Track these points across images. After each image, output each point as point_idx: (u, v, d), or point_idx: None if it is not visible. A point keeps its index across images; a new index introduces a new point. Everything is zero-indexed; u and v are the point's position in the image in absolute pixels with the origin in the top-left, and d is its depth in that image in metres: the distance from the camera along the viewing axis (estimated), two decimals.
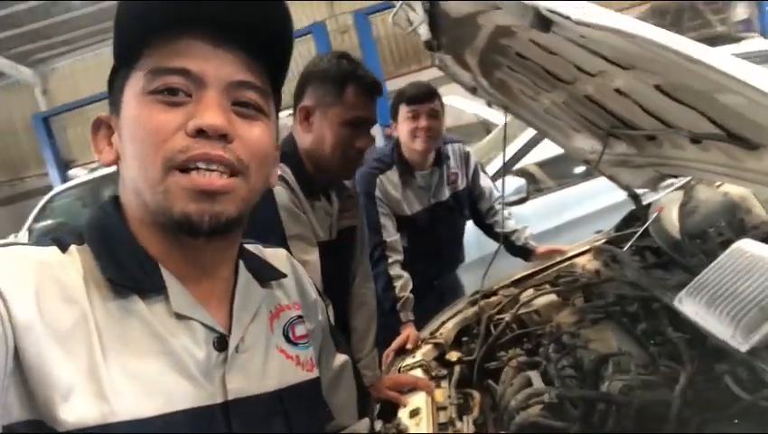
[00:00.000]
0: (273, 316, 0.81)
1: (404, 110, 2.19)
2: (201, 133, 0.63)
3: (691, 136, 0.99)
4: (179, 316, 0.66)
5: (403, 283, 2.08)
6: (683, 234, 1.43)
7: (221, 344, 0.69)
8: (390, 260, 2.11)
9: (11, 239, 6.29)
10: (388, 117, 2.36)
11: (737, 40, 3.67)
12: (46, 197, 7.87)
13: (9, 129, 14.92)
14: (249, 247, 0.86)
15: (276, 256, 0.90)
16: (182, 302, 0.67)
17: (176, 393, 0.63)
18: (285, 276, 0.87)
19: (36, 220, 7.62)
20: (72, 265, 0.64)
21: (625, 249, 1.72)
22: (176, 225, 0.64)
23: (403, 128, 2.20)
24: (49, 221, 7.74)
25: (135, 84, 0.65)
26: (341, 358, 1.00)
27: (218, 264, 0.73)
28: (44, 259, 0.62)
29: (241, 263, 0.79)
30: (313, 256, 1.44)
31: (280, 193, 1.40)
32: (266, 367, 0.75)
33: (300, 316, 0.86)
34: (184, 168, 0.63)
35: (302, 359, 0.82)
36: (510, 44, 1.24)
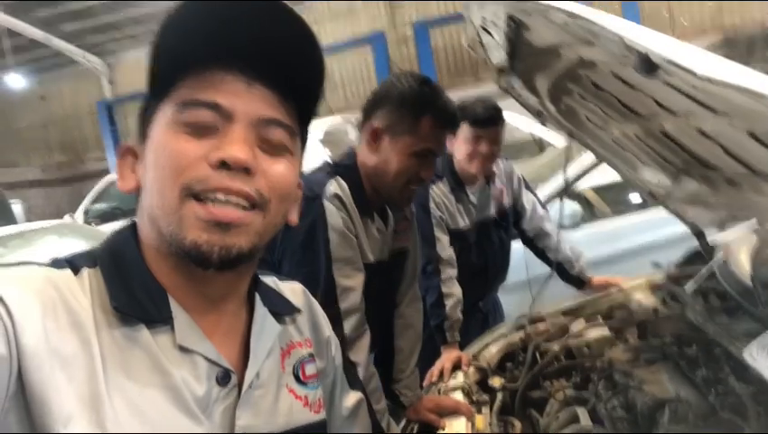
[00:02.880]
0: (284, 353, 0.80)
1: (467, 130, 2.09)
2: (223, 165, 0.63)
3: None
4: (183, 349, 0.65)
5: (454, 302, 2.05)
6: (755, 282, 1.37)
7: (225, 379, 0.68)
8: (444, 276, 2.07)
9: (67, 219, 6.54)
10: None
11: None
12: (105, 180, 8.18)
13: (75, 113, 15.59)
14: (266, 280, 0.85)
15: (291, 290, 0.89)
16: (188, 334, 0.66)
17: (174, 428, 0.62)
18: (299, 311, 0.85)
19: (93, 201, 7.93)
20: (82, 289, 0.64)
21: (687, 288, 1.65)
22: (186, 255, 0.63)
23: (462, 147, 2.14)
24: (104, 204, 8.05)
25: (164, 114, 0.66)
26: (354, 396, 0.98)
27: (226, 298, 0.73)
28: (56, 281, 0.62)
29: (258, 297, 0.78)
30: (355, 281, 1.41)
31: (332, 213, 1.37)
32: (277, 406, 0.74)
33: (311, 355, 0.84)
34: (201, 198, 0.63)
35: (310, 400, 0.80)
36: (589, 75, 1.21)
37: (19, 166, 15.88)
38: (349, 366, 1.01)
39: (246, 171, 0.64)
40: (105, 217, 7.71)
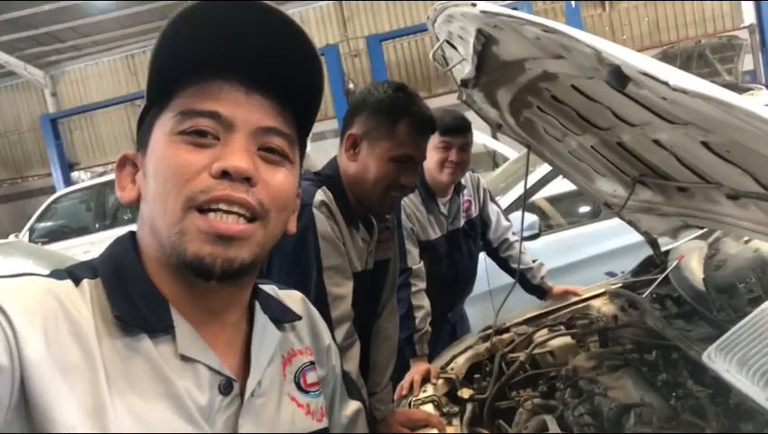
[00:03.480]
0: (285, 361, 0.79)
1: (435, 139, 2.08)
2: (225, 175, 0.63)
3: (733, 193, 0.99)
4: (184, 358, 0.65)
5: (423, 315, 2.05)
6: (709, 287, 1.42)
7: (227, 388, 0.67)
8: (414, 289, 2.06)
9: (12, 238, 6.25)
10: None
11: (743, 90, 3.73)
12: (51, 198, 7.88)
13: (15, 128, 15.00)
14: (265, 288, 0.84)
15: (290, 298, 0.88)
16: (189, 343, 0.65)
17: None
18: (299, 318, 0.85)
19: (39, 220, 7.62)
20: (83, 300, 0.63)
21: (645, 295, 1.71)
22: (188, 267, 0.63)
23: (431, 157, 2.11)
24: (50, 223, 7.75)
25: (164, 124, 0.66)
26: (354, 405, 0.97)
27: (227, 309, 0.72)
28: (56, 292, 0.61)
29: (257, 305, 0.78)
30: (346, 289, 1.40)
31: (321, 220, 1.36)
32: (279, 414, 0.73)
33: (312, 363, 0.84)
34: (204, 209, 0.62)
35: (312, 408, 0.79)
36: (549, 88, 1.25)
37: None
38: (348, 376, 1.00)
39: (247, 180, 0.64)
40: (52, 236, 7.43)
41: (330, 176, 1.48)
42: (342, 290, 1.39)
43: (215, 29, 0.64)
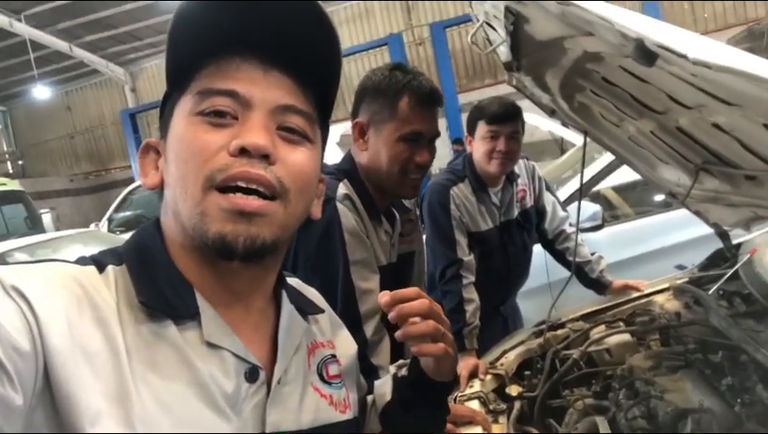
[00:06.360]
0: (309, 351, 0.79)
1: (483, 129, 2.03)
2: (243, 152, 0.62)
3: None
4: (210, 345, 0.64)
5: (474, 309, 1.98)
6: None
7: (253, 375, 0.66)
8: (465, 281, 2.00)
9: (92, 227, 6.63)
10: (458, 131, 2.23)
11: None
12: (128, 188, 8.31)
13: (99, 123, 15.95)
14: (289, 280, 0.84)
15: (312, 291, 0.90)
16: (215, 330, 0.65)
17: (203, 425, 0.60)
18: (323, 311, 0.86)
19: (117, 210, 8.05)
20: (107, 286, 0.63)
21: (711, 291, 1.58)
22: (211, 247, 0.62)
23: (479, 147, 2.06)
24: (128, 213, 8.18)
25: (183, 106, 0.66)
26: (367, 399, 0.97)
27: (252, 293, 0.72)
28: (80, 278, 0.61)
29: (284, 294, 0.78)
30: (373, 283, 1.37)
31: (345, 214, 1.34)
32: (303, 403, 0.72)
33: (333, 355, 0.83)
34: (224, 188, 0.62)
35: (335, 399, 0.79)
36: (597, 69, 1.16)
37: (48, 176, 16.28)
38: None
39: (266, 158, 0.63)
40: (129, 225, 7.83)
41: (347, 170, 1.45)
42: (370, 284, 1.36)
43: (229, 8, 0.63)
